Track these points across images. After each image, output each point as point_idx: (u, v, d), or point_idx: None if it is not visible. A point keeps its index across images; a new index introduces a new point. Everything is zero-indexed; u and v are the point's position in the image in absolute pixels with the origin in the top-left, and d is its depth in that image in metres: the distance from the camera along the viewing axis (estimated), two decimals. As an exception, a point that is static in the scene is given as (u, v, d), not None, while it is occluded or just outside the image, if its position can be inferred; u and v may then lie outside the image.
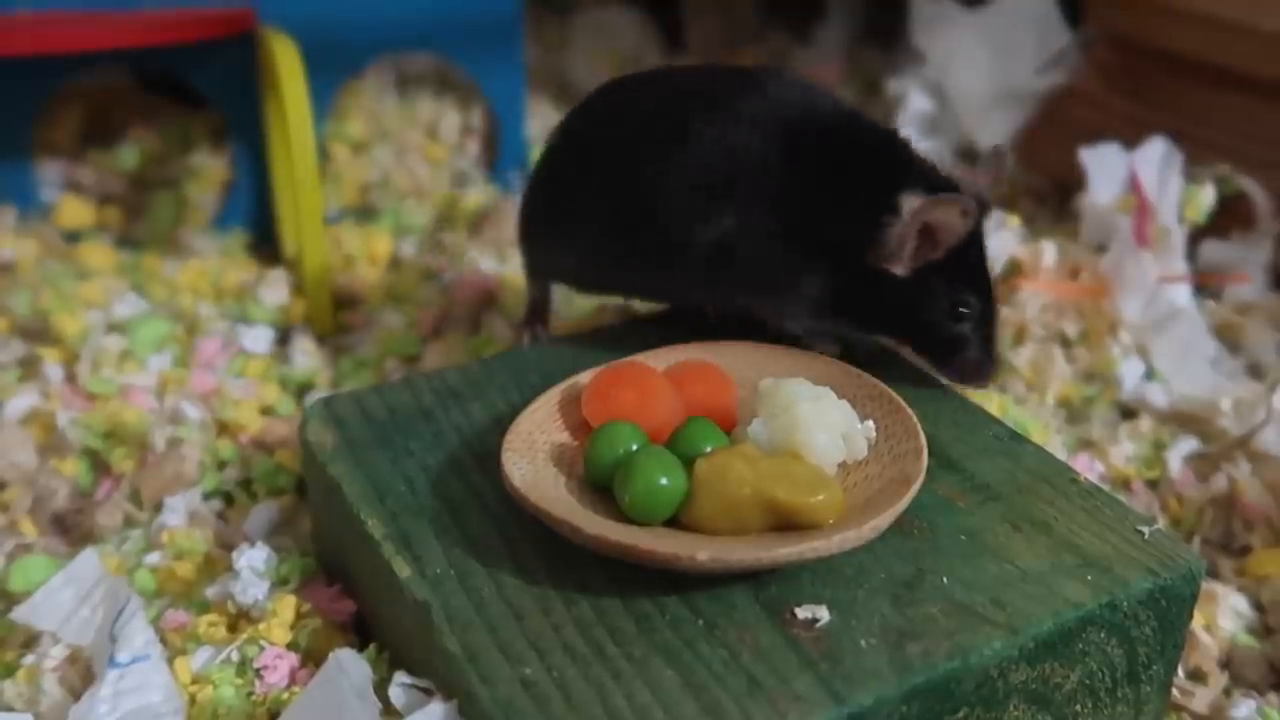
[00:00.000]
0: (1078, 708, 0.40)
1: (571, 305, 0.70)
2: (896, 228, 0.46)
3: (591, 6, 1.18)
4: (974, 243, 0.48)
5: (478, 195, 0.85)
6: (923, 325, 0.49)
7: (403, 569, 0.40)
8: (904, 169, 0.48)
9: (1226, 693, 0.47)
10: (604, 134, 0.52)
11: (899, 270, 0.47)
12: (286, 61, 0.66)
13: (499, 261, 0.76)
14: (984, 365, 0.49)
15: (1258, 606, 0.50)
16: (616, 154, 0.51)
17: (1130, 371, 0.64)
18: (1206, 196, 0.71)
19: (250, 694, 0.43)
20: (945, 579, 0.39)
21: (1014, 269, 0.69)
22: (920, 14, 0.97)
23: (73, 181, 0.85)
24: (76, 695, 0.43)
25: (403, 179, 0.88)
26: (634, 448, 0.41)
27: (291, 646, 0.45)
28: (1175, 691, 0.45)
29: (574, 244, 0.54)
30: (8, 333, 0.67)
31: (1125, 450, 0.59)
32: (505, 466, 0.41)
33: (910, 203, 0.46)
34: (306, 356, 0.65)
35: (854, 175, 0.48)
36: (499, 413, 0.48)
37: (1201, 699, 0.45)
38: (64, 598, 0.46)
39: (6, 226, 0.78)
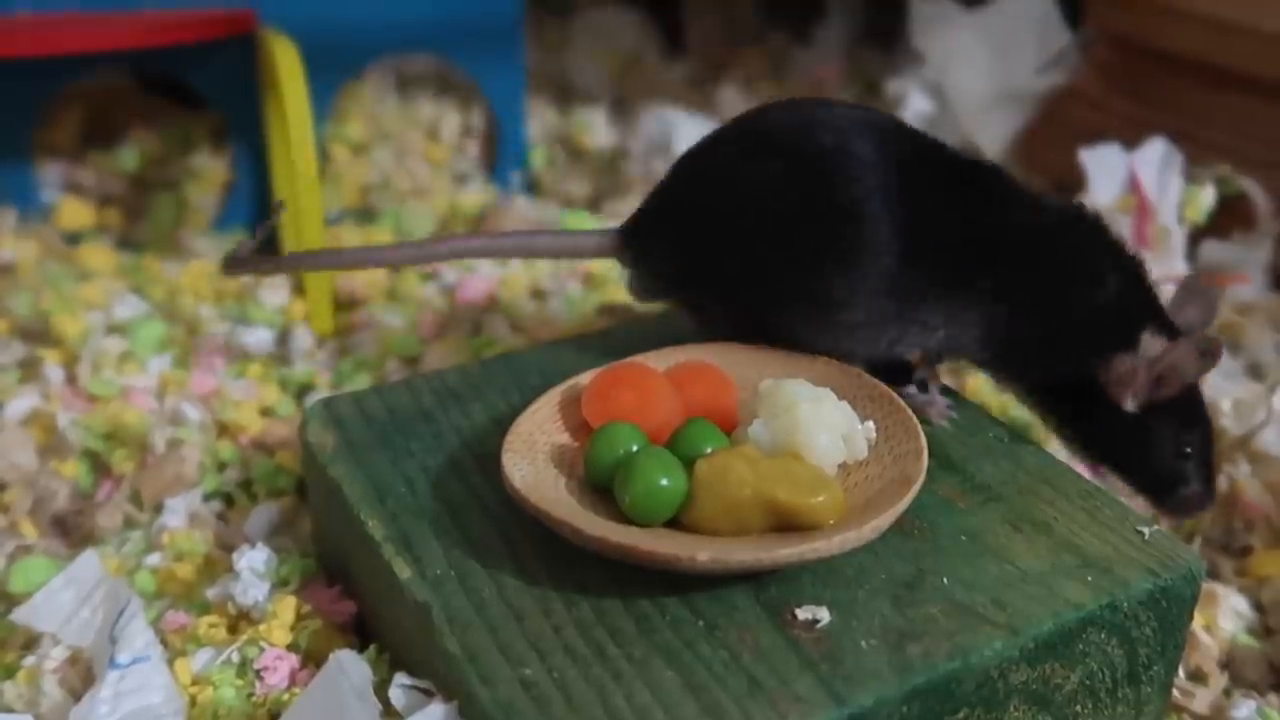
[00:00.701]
0: (1078, 708, 0.40)
1: (571, 306, 0.70)
2: (1128, 366, 0.45)
3: (591, 7, 1.18)
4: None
5: (478, 196, 0.85)
6: (1144, 462, 0.47)
7: (403, 570, 0.40)
8: (1144, 298, 0.46)
9: (1227, 693, 0.47)
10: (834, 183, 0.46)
11: (1128, 406, 0.46)
12: (286, 62, 0.66)
13: (499, 263, 0.76)
14: (1203, 499, 0.47)
15: (1258, 607, 0.50)
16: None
17: (1130, 372, 0.64)
18: (1206, 197, 0.71)
19: (250, 695, 0.43)
20: (946, 579, 0.39)
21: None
22: (920, 14, 0.97)
23: (73, 183, 0.85)
24: (77, 696, 0.43)
25: (403, 180, 0.88)
26: (634, 449, 0.41)
27: (292, 648, 0.45)
28: (1176, 692, 0.45)
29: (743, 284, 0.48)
30: (8, 334, 0.67)
31: (1125, 450, 0.58)
32: (506, 467, 0.41)
33: (1152, 344, 0.45)
34: (306, 358, 0.65)
35: (1101, 295, 0.46)
36: (499, 414, 0.48)
37: (1202, 699, 0.45)
38: (64, 599, 0.46)
39: (7, 228, 0.78)
